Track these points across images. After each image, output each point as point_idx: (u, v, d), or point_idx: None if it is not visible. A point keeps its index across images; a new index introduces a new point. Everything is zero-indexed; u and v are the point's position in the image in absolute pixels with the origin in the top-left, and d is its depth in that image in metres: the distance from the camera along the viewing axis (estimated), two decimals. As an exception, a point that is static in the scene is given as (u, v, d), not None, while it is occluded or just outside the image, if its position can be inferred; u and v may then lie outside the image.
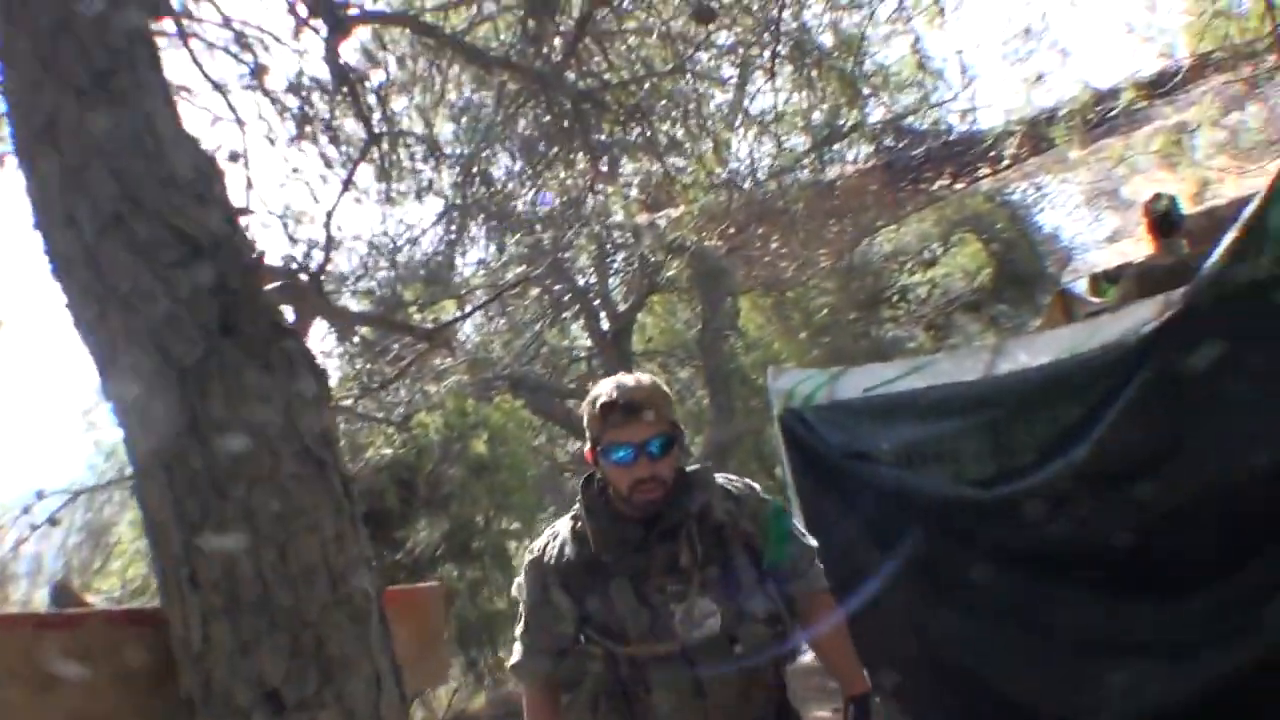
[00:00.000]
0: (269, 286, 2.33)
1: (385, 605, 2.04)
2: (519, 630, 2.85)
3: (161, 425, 1.72)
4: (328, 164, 6.89)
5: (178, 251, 1.78)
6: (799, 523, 5.27)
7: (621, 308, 15.19)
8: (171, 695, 1.82)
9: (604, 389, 2.71)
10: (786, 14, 5.15)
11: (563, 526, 2.84)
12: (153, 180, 1.83)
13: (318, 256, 6.77)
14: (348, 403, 9.98)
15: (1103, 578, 3.95)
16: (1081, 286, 8.67)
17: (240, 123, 6.31)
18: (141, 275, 1.76)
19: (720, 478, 2.90)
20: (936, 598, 4.39)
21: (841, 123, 7.83)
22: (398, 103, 6.54)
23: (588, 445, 2.74)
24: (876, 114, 8.69)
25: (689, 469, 2.82)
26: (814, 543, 3.04)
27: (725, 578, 2.69)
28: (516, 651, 2.84)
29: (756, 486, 2.98)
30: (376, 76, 6.06)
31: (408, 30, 5.85)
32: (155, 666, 1.85)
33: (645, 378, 2.83)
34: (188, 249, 1.79)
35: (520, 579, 2.86)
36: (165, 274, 1.75)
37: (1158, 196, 5.86)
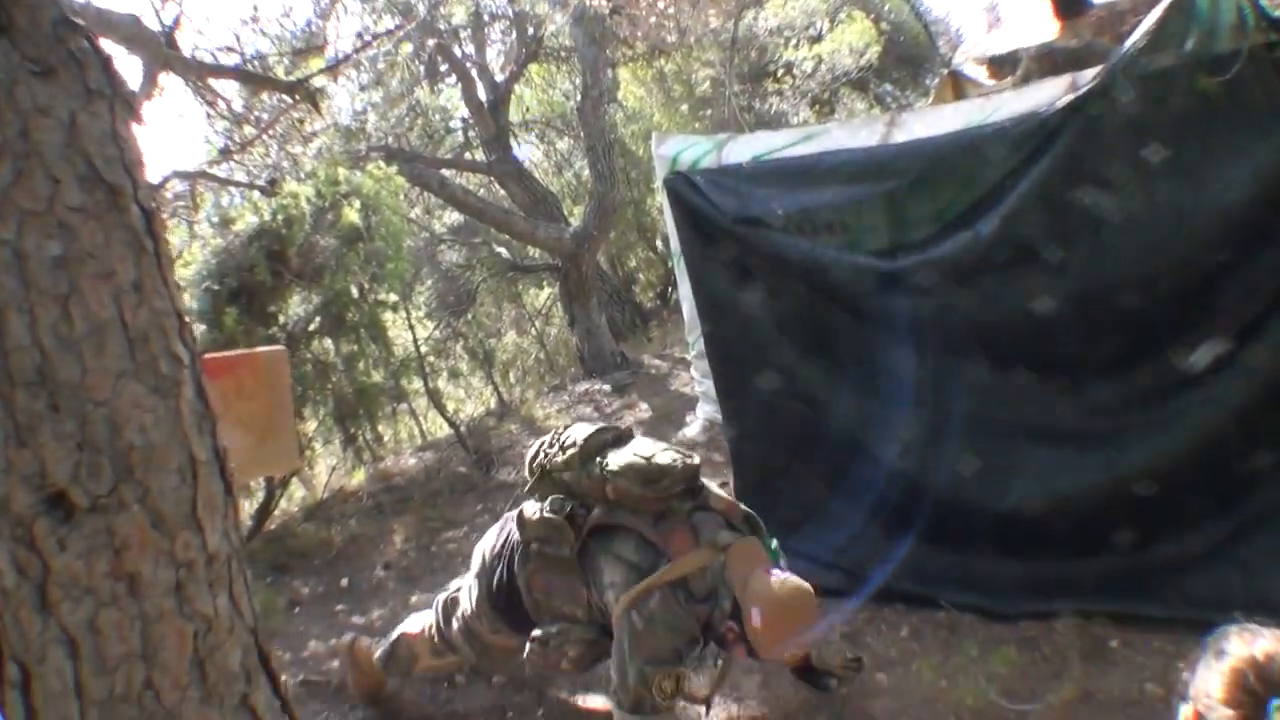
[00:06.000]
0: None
1: (206, 374, 1.63)
2: None
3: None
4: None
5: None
6: (687, 288, 5.15)
7: (499, 78, 14.50)
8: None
9: None
10: None
11: None
12: None
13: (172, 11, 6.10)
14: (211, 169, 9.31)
15: (1008, 357, 3.88)
16: (973, 69, 8.62)
17: None
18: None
19: None
20: (833, 371, 4.34)
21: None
22: None
23: None
24: None
25: None
26: None
27: None
28: None
29: None
30: None
31: None
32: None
33: None
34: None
35: None
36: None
37: (1067, -27, 5.72)
